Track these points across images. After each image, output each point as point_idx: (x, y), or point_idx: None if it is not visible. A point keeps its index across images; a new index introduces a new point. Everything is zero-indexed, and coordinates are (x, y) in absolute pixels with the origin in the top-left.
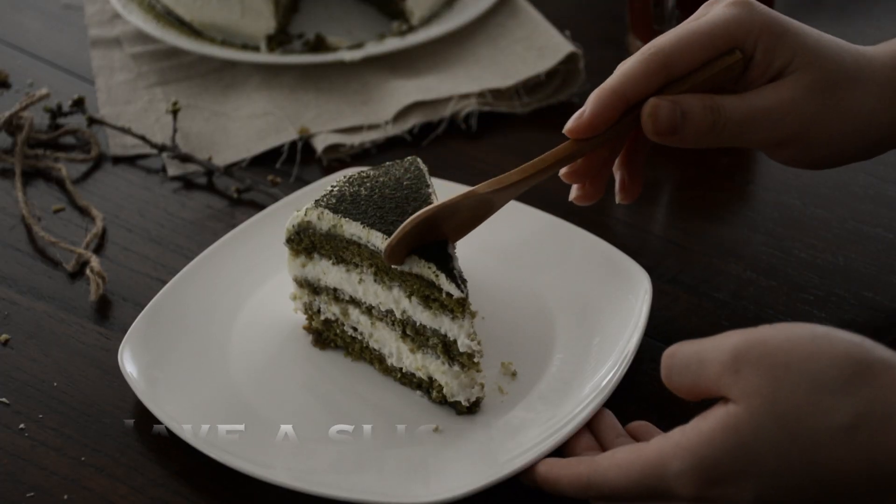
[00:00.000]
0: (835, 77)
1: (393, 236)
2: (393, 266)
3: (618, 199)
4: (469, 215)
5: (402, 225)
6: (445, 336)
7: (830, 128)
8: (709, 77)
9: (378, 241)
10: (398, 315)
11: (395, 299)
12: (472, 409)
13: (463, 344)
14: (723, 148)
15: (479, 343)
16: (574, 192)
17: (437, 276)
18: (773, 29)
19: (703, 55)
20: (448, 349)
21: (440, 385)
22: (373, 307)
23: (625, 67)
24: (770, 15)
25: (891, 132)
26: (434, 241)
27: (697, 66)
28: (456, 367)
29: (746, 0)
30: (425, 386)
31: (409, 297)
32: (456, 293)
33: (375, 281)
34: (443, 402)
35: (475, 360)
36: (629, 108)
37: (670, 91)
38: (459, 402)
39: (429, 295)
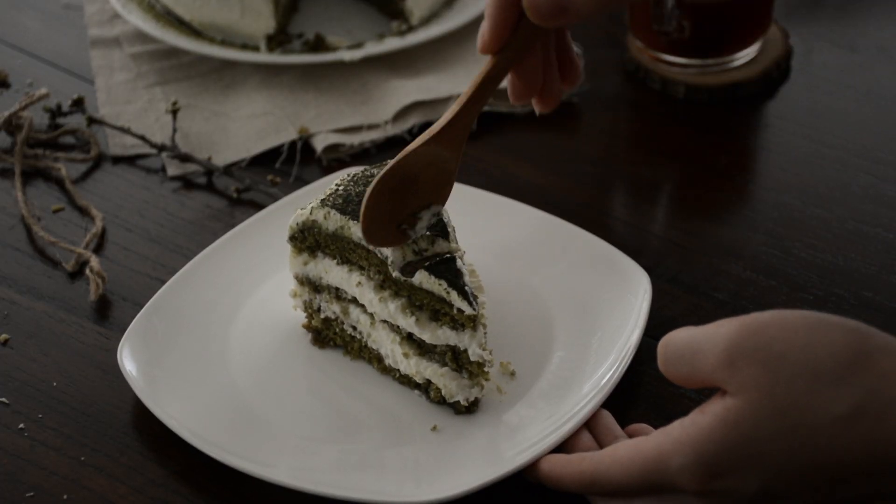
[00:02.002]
0: None
1: (361, 219)
2: (404, 279)
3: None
4: (433, 172)
5: (362, 205)
6: (455, 347)
7: None
8: None
9: (386, 248)
10: (393, 325)
11: (390, 314)
12: (471, 408)
13: (474, 353)
14: (723, 148)
15: (490, 353)
16: (533, 105)
17: (448, 293)
18: None
19: None
20: (457, 357)
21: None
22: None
23: None
24: None
25: None
26: (420, 207)
27: None
28: (464, 375)
29: None
30: (423, 386)
31: (410, 313)
32: (468, 310)
33: (376, 289)
34: (441, 401)
35: (485, 368)
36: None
37: None
38: (458, 402)
39: (439, 309)
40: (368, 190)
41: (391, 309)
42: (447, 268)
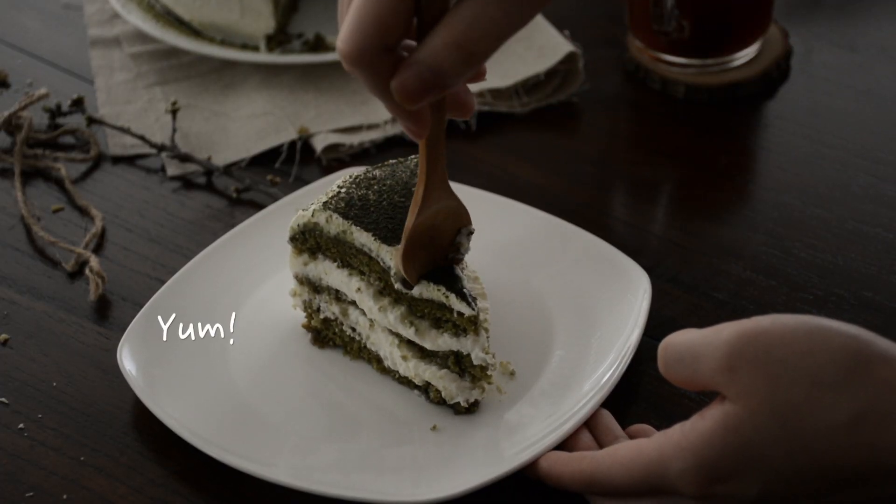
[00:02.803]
0: None
1: (402, 266)
2: (404, 290)
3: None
4: (443, 215)
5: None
6: (458, 351)
7: None
8: (433, 11)
9: (388, 257)
10: (393, 331)
11: (390, 323)
12: (471, 409)
13: (477, 357)
14: (723, 148)
15: (493, 356)
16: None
17: (447, 297)
18: None
19: (394, 13)
20: (460, 361)
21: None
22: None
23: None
24: None
25: None
26: (454, 236)
27: (400, 23)
28: (467, 378)
29: None
30: (423, 387)
31: (409, 324)
32: (467, 311)
33: (375, 297)
34: (441, 402)
35: (489, 372)
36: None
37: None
38: (458, 403)
39: (440, 317)
40: (400, 267)
41: (391, 319)
42: (444, 274)
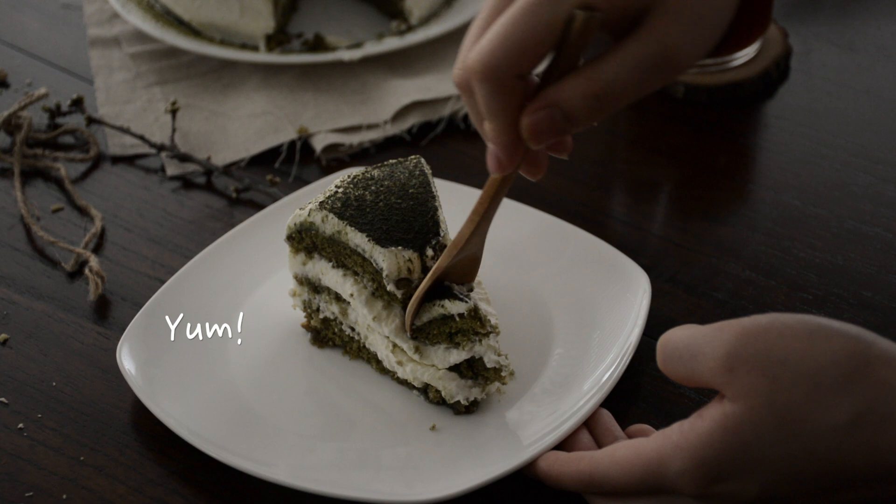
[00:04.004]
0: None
1: (408, 319)
2: (411, 326)
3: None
4: (459, 271)
5: (408, 311)
6: (470, 356)
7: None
8: (573, 53)
9: (381, 258)
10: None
11: (386, 334)
12: (471, 408)
13: (490, 360)
14: (722, 148)
15: (506, 357)
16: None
17: (443, 307)
18: None
19: (539, 44)
20: (472, 366)
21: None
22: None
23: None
24: None
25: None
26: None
27: (540, 54)
28: (479, 381)
29: None
30: (422, 388)
31: (414, 349)
32: (464, 308)
33: (368, 303)
34: (440, 402)
35: (502, 374)
36: None
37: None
38: (458, 402)
39: (450, 331)
40: (407, 316)
41: (386, 331)
42: (432, 293)
